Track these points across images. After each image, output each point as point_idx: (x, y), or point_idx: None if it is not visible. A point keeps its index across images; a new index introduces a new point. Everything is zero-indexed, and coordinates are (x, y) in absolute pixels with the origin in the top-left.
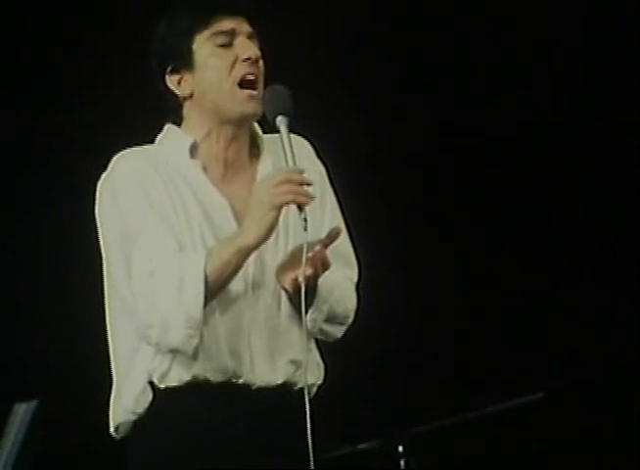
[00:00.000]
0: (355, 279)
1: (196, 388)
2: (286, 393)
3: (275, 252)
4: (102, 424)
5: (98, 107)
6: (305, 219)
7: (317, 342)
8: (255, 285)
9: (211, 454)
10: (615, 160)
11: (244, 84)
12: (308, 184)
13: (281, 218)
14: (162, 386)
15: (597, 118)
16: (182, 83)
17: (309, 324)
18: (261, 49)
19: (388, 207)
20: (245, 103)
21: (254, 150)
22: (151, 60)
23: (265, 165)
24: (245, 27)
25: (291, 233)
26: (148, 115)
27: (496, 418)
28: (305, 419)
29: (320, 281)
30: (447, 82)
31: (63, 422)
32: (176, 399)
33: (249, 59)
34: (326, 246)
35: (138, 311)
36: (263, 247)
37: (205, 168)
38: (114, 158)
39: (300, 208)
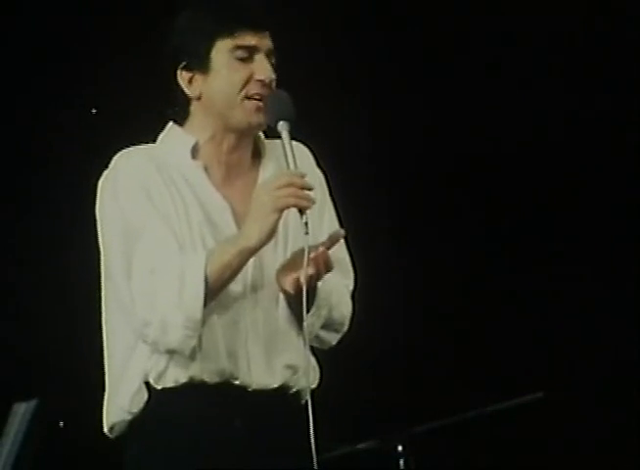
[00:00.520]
0: (351, 287)
1: (192, 388)
2: (282, 395)
3: (274, 254)
4: (101, 424)
5: (98, 105)
6: (306, 223)
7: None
8: (254, 287)
9: (207, 454)
10: (616, 160)
11: (253, 97)
12: (310, 188)
13: (280, 221)
14: (159, 386)
15: (597, 119)
16: (193, 83)
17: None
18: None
19: (384, 211)
20: (252, 114)
21: (256, 153)
22: (163, 48)
23: (267, 170)
24: (266, 44)
25: (290, 236)
26: (149, 113)
27: (495, 418)
28: (302, 421)
29: (319, 285)
30: (447, 83)
31: (62, 422)
32: (172, 398)
33: (263, 80)
34: (328, 248)
35: (136, 310)
36: (263, 249)
37: (206, 170)
38: (116, 156)
39: (302, 211)
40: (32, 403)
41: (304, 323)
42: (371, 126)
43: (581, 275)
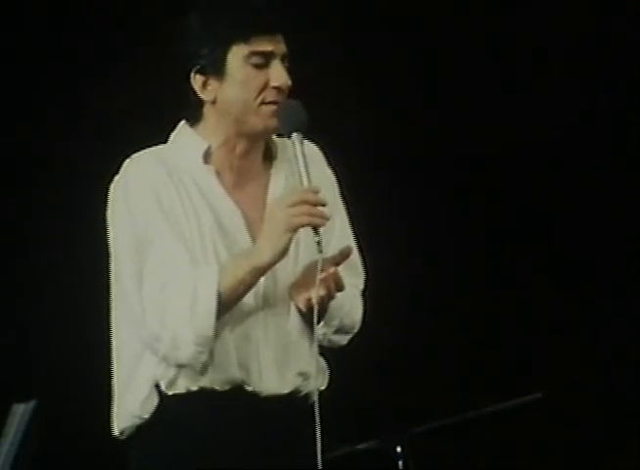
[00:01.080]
0: (361, 287)
1: (203, 394)
2: (292, 399)
3: (286, 267)
4: (101, 424)
5: (109, 108)
6: (319, 242)
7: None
8: (266, 300)
9: (215, 457)
10: (616, 160)
11: (269, 102)
12: (324, 204)
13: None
14: (170, 393)
15: (598, 118)
16: (207, 87)
17: (319, 337)
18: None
19: (393, 211)
20: (268, 118)
21: (267, 155)
22: (176, 50)
23: (278, 174)
24: (281, 48)
25: (302, 247)
26: (160, 115)
27: (495, 418)
28: (309, 423)
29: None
30: (447, 83)
31: (63, 422)
32: (182, 403)
33: (279, 87)
34: (338, 264)
35: (147, 323)
36: None
37: (218, 175)
38: (127, 161)
39: (315, 229)
40: (31, 404)
41: (315, 342)
42: (380, 127)
43: (581, 275)
